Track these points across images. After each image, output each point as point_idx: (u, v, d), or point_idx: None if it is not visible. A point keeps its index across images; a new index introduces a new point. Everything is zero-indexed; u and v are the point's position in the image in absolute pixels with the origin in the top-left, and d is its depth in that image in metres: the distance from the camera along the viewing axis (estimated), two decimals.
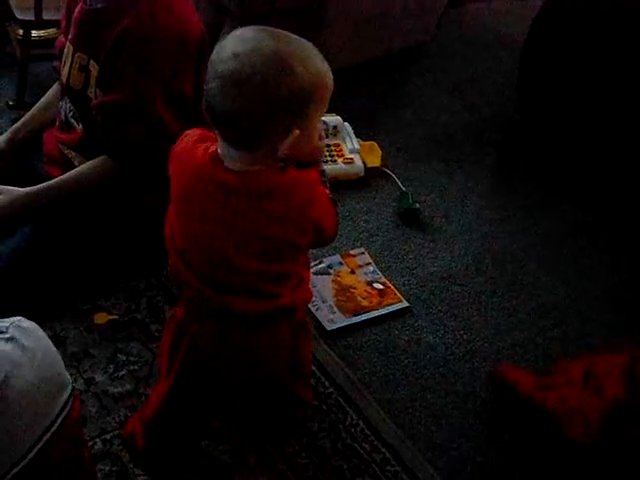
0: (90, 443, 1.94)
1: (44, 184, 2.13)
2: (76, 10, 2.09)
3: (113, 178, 2.11)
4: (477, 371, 2.30)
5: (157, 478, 1.92)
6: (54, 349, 1.33)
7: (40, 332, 1.32)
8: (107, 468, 1.91)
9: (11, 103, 2.93)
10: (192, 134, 1.62)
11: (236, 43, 1.45)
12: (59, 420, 1.28)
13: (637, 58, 2.76)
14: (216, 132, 1.52)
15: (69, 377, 1.34)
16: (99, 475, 1.89)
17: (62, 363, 1.34)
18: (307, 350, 1.88)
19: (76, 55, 2.10)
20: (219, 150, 1.53)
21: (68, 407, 1.31)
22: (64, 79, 2.16)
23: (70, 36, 2.13)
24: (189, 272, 1.63)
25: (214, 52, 1.47)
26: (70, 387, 1.33)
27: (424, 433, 2.12)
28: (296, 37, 1.51)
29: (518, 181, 3.03)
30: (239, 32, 1.49)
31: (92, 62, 2.06)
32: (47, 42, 2.84)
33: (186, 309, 1.72)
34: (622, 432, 2.03)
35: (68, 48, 2.13)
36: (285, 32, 1.50)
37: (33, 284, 2.10)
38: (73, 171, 2.13)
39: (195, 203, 1.57)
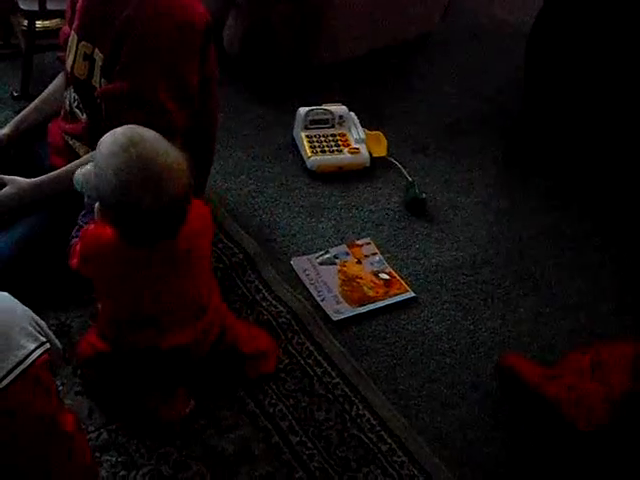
0: (96, 433, 1.94)
1: (50, 174, 2.13)
2: None
3: None
4: (483, 361, 2.29)
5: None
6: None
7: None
8: (113, 459, 1.91)
9: (16, 94, 2.92)
10: None
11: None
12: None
13: None
14: None
15: (27, 344, 1.43)
16: (105, 465, 1.89)
17: (22, 328, 1.44)
18: None
19: (81, 44, 2.09)
20: None
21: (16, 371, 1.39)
22: (69, 68, 2.15)
23: (75, 25, 2.12)
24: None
25: None
26: (22, 352, 1.41)
27: (430, 423, 2.12)
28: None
29: (524, 171, 3.02)
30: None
31: (97, 51, 2.05)
32: (51, 33, 2.84)
33: None
34: (628, 421, 2.02)
35: (73, 37, 2.13)
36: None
37: (38, 274, 2.10)
38: (78, 160, 2.12)
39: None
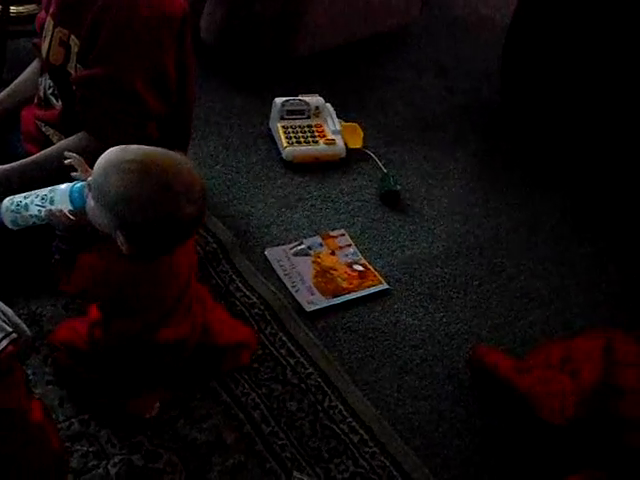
0: (67, 423, 1.94)
1: (22, 161, 2.10)
2: None
3: (92, 155, 2.09)
4: (456, 353, 2.30)
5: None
6: None
7: None
8: (84, 449, 1.90)
9: None
10: None
11: None
12: None
13: (622, 42, 2.76)
14: None
15: None
16: (76, 455, 1.88)
17: None
18: None
19: (56, 30, 2.07)
20: None
21: None
22: (44, 54, 2.13)
23: (51, 10, 2.10)
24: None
25: None
26: None
27: (402, 415, 2.13)
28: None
29: (500, 165, 3.03)
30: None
31: (73, 37, 2.03)
32: (26, 18, 2.81)
33: None
34: (599, 413, 2.04)
35: (49, 22, 2.10)
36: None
37: (9, 263, 2.08)
38: (51, 148, 2.10)
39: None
